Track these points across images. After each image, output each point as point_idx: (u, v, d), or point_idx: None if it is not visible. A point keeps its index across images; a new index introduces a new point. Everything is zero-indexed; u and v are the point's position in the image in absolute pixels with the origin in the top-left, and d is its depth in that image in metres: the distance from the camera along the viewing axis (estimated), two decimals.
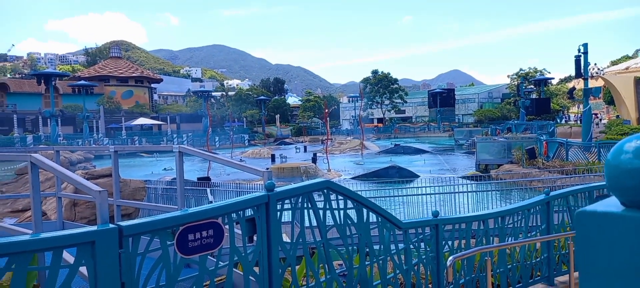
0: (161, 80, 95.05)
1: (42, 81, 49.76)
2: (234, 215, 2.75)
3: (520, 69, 69.41)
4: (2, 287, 2.77)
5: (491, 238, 4.74)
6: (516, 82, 63.92)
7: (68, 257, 2.66)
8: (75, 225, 6.51)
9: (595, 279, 1.23)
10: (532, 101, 49.18)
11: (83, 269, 2.14)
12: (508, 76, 74.10)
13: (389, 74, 79.36)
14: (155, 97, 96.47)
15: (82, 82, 64.00)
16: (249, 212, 2.84)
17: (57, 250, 2.03)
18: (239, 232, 2.83)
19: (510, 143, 24.66)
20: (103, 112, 58.99)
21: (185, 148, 4.55)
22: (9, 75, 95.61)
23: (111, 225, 2.17)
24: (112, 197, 5.16)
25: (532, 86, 57.17)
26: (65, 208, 7.74)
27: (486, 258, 4.05)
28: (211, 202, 11.06)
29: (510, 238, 4.93)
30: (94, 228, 2.16)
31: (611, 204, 1.27)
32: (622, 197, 1.24)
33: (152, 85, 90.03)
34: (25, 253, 1.95)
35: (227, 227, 2.67)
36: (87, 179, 8.30)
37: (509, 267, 4.87)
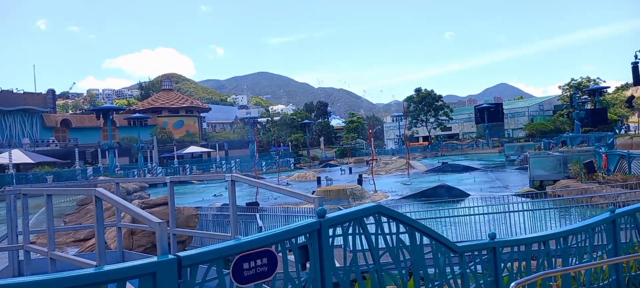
0: (209, 109, 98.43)
1: (101, 115, 52.95)
2: (287, 242, 2.77)
3: (572, 79, 66.54)
4: None
5: (553, 259, 4.49)
6: (569, 93, 61.35)
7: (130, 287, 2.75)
8: (134, 254, 6.77)
9: None
10: (587, 112, 46.92)
11: None
12: (559, 87, 71.19)
13: (433, 91, 78.32)
14: (205, 125, 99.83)
15: (137, 114, 67.41)
16: (301, 239, 2.85)
17: (120, 282, 2.11)
18: (292, 259, 2.84)
19: (566, 157, 23.52)
20: (156, 142, 61.64)
21: (237, 177, 4.66)
22: (71, 111, 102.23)
23: (170, 256, 2.24)
24: (168, 226, 5.35)
25: (587, 96, 54.59)
26: (123, 237, 8.07)
27: (551, 283, 3.84)
28: (260, 227, 11.19)
29: (574, 260, 4.65)
30: (155, 259, 2.23)
31: None
32: None
33: (201, 114, 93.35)
34: (91, 285, 2.04)
35: (280, 254, 2.68)
36: (144, 208, 8.64)
37: None
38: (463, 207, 12.84)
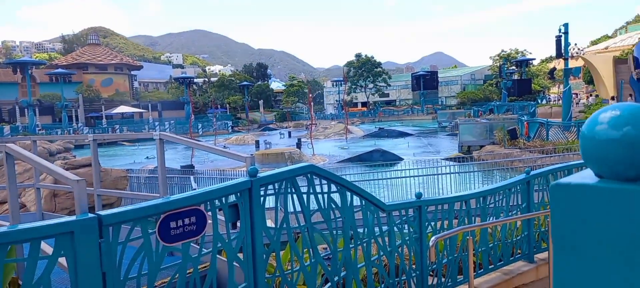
0: (141, 67, 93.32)
1: (18, 70, 48.65)
2: (216, 201, 2.73)
3: (502, 50, 69.98)
4: None
5: (473, 218, 4.81)
6: (498, 64, 64.54)
7: (47, 248, 2.61)
8: (55, 216, 6.41)
9: (570, 252, 1.22)
10: (513, 82, 49.77)
11: (63, 260, 2.11)
12: (490, 57, 74.71)
13: (373, 57, 79.31)
14: (136, 84, 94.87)
15: (60, 70, 62.66)
16: (231, 198, 2.82)
17: (34, 242, 1.99)
18: (223, 218, 2.81)
19: (492, 124, 24.99)
20: (82, 101, 57.91)
21: (166, 135, 4.49)
22: None
23: (90, 215, 2.14)
24: (92, 187, 5.09)
25: (514, 67, 57.76)
26: (45, 200, 7.61)
27: (468, 237, 4.11)
28: (194, 189, 11.00)
29: (491, 218, 5.02)
30: (73, 218, 2.12)
31: (586, 176, 1.24)
32: (596, 168, 1.21)
33: (132, 72, 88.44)
34: (1, 245, 1.91)
35: (209, 213, 2.65)
36: (67, 169, 8.15)
37: (490, 245, 4.96)
38: (396, 170, 13.34)
